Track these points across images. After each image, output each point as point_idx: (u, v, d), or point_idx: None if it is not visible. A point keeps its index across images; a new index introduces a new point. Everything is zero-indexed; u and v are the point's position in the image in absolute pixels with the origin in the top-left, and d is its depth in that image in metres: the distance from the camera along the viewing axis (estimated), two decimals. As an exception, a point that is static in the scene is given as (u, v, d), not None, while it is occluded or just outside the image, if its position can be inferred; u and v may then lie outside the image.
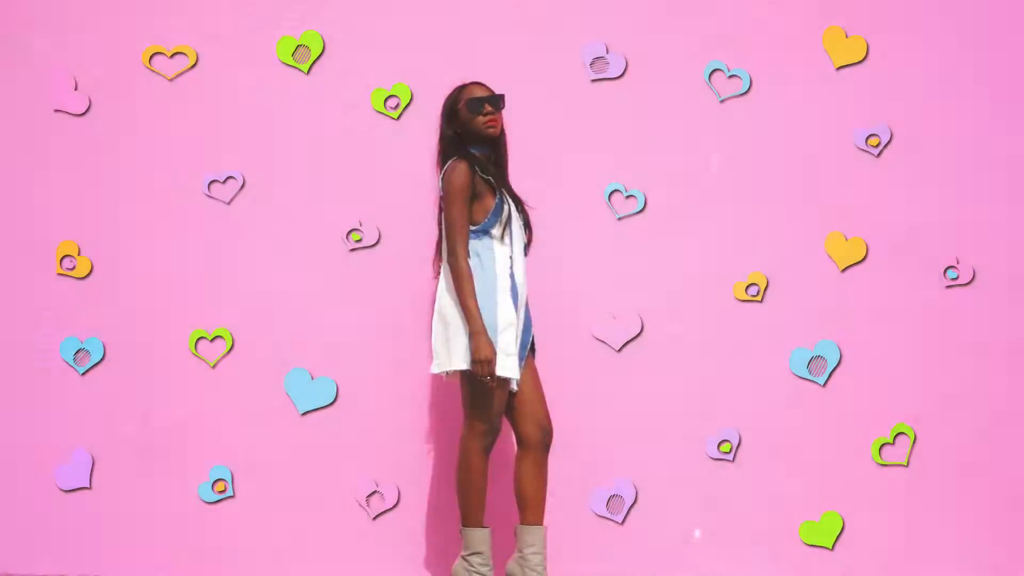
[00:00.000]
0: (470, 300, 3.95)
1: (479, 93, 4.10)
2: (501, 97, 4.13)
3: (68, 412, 4.64)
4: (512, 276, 4.06)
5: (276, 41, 4.72)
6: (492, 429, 4.01)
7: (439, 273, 4.17)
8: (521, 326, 4.05)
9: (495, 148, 4.17)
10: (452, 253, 4.00)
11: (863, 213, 4.61)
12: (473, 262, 4.01)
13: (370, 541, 4.57)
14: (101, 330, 4.65)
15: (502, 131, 4.17)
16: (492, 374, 3.91)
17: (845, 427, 4.55)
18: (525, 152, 4.53)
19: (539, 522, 4.06)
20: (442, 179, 4.07)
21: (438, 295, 4.07)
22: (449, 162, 4.07)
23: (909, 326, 4.57)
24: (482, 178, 4.05)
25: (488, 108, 4.06)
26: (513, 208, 4.13)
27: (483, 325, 3.92)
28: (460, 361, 3.95)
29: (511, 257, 4.08)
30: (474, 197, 4.03)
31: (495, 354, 3.91)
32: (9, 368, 4.66)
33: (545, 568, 4.04)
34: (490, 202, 4.05)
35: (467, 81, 4.20)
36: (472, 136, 4.10)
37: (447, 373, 4.04)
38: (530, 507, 4.05)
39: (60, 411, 4.64)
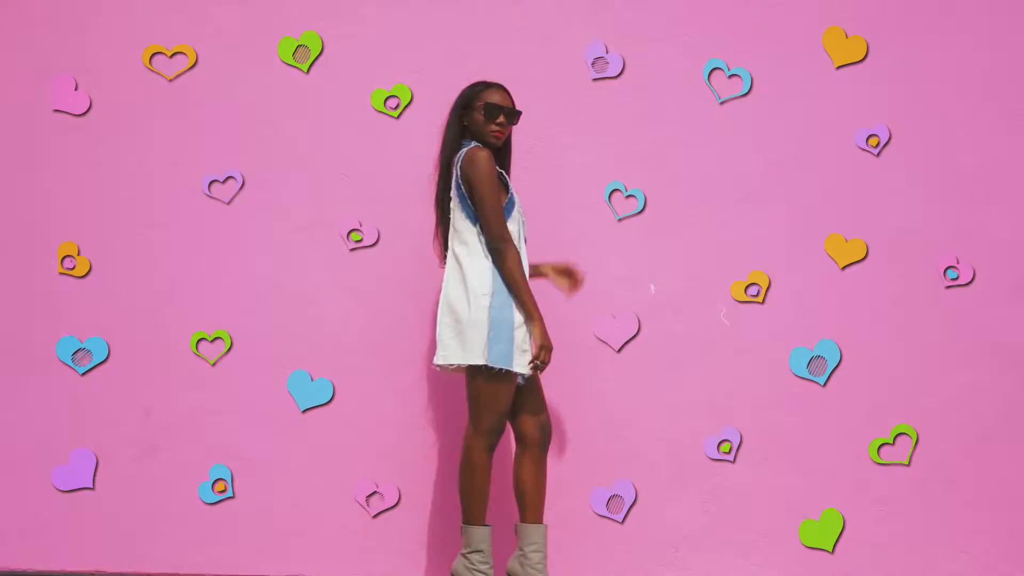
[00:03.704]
0: (526, 285, 3.98)
1: (499, 101, 4.08)
2: (518, 113, 4.14)
3: (68, 412, 4.64)
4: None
5: (276, 41, 4.72)
6: (497, 427, 4.00)
7: (444, 260, 4.15)
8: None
9: (498, 152, 4.17)
10: (500, 238, 3.96)
11: (863, 213, 4.61)
12: (490, 259, 4.01)
13: (370, 541, 4.57)
14: (101, 330, 4.65)
15: (508, 139, 4.18)
16: (548, 362, 3.97)
17: (845, 427, 4.55)
18: (525, 151, 4.54)
19: (539, 520, 4.06)
20: (465, 166, 3.99)
21: (445, 285, 4.04)
22: (468, 149, 4.03)
23: (909, 326, 4.57)
24: (499, 171, 4.06)
25: (502, 119, 4.07)
26: (520, 204, 4.13)
27: (540, 314, 3.97)
28: (476, 356, 3.92)
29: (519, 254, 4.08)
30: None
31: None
32: (9, 368, 4.66)
33: (546, 566, 4.04)
34: (504, 197, 4.06)
35: (489, 80, 4.18)
36: (476, 135, 4.10)
37: (451, 367, 4.01)
38: (530, 505, 4.06)
39: (60, 411, 4.64)
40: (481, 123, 4.07)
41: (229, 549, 4.58)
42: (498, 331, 3.93)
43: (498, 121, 4.06)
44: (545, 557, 4.04)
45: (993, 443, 4.52)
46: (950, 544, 4.49)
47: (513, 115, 4.11)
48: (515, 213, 4.07)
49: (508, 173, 4.21)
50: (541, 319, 3.97)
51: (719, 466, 4.56)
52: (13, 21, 4.77)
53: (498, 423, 4.00)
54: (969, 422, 4.53)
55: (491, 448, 4.00)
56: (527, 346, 3.98)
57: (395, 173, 4.66)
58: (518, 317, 3.97)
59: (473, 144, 4.06)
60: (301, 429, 4.61)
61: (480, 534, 4.02)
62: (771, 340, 4.58)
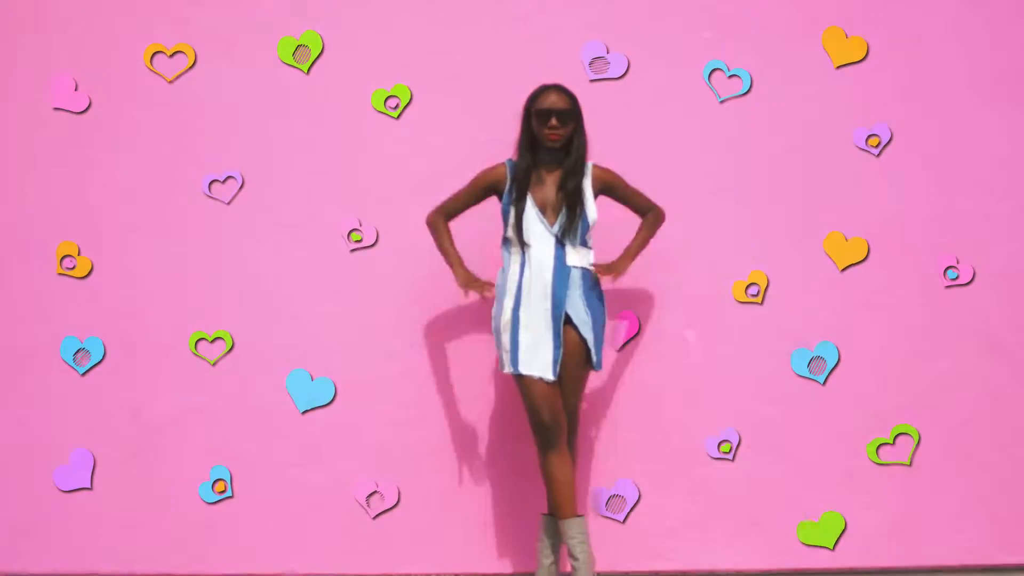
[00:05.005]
0: (436, 237, 4.26)
1: (547, 104, 4.12)
2: (567, 112, 4.12)
3: (68, 412, 4.64)
4: (520, 280, 4.09)
5: (276, 41, 4.72)
6: (536, 426, 4.07)
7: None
8: (543, 325, 4.05)
9: (566, 152, 4.17)
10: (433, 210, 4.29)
11: (863, 213, 4.61)
12: (504, 267, 4.18)
13: (370, 541, 4.57)
14: (101, 330, 4.65)
15: (573, 136, 4.16)
16: (463, 287, 4.17)
17: (845, 427, 4.55)
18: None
19: (573, 514, 4.07)
20: None
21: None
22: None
23: (909, 326, 4.57)
24: (513, 180, 4.15)
25: (554, 122, 4.11)
26: (536, 215, 4.13)
27: (455, 260, 4.23)
28: (503, 366, 4.09)
29: (522, 264, 4.12)
30: (509, 202, 4.15)
31: (472, 283, 4.17)
32: (9, 368, 4.66)
33: (589, 559, 4.03)
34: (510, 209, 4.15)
35: (548, 83, 4.19)
36: (540, 140, 4.16)
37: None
38: (557, 501, 4.10)
39: (60, 411, 4.64)
40: (538, 129, 4.14)
41: (229, 549, 4.58)
42: (498, 339, 4.12)
43: (550, 124, 4.11)
44: (585, 546, 4.04)
45: (994, 441, 4.52)
46: (951, 545, 4.49)
47: (563, 115, 4.12)
48: (511, 223, 4.11)
49: (583, 166, 4.18)
50: (453, 264, 4.21)
51: (719, 466, 4.56)
52: (13, 21, 4.77)
53: (535, 421, 4.07)
54: (970, 421, 4.53)
55: (542, 446, 4.07)
56: (509, 346, 4.06)
57: (395, 173, 4.66)
58: (502, 321, 4.10)
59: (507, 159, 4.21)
60: (301, 429, 4.61)
61: (544, 522, 4.21)
62: (771, 340, 4.58)
